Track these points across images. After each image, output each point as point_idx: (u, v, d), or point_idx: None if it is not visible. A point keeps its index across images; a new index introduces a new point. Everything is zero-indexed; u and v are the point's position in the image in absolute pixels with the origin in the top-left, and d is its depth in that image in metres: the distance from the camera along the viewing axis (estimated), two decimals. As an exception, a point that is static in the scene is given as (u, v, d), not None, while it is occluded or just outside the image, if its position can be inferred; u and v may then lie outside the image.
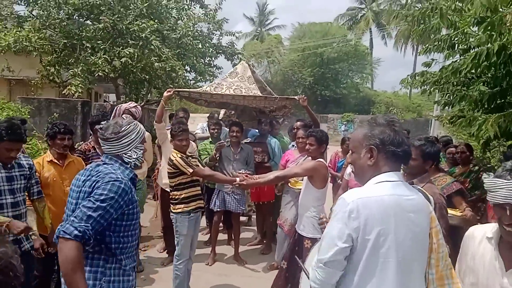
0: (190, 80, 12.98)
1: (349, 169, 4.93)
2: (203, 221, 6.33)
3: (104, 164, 2.30)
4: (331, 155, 6.64)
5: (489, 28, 3.83)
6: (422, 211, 1.81)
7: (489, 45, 3.97)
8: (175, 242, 4.23)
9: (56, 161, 3.71)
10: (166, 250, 5.44)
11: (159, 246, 5.90)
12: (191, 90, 5.53)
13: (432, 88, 6.29)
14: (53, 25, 9.26)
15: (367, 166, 1.83)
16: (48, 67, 10.08)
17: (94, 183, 2.16)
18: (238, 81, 5.51)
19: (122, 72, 11.13)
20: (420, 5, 7.63)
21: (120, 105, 4.87)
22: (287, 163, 5.25)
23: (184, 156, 4.12)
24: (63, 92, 8.82)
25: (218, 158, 5.42)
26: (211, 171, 4.27)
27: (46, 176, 3.60)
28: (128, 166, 2.35)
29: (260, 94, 5.42)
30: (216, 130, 6.01)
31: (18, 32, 8.90)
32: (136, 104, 4.90)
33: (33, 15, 9.75)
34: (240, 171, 4.63)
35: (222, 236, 6.27)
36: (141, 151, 2.42)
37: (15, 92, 14.83)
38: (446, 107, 6.89)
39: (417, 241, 1.77)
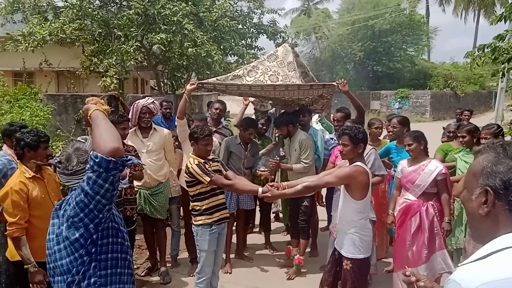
0: (232, 63, 12.48)
1: (400, 165, 4.27)
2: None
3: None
4: None
5: None
6: None
7: None
8: (197, 258, 3.79)
9: (38, 175, 3.16)
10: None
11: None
12: (216, 81, 4.95)
13: (506, 69, 5.12)
14: (87, 15, 9.05)
15: (479, 216, 1.24)
16: (90, 57, 10.01)
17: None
18: (276, 66, 4.83)
19: (162, 59, 10.85)
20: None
21: (137, 101, 4.43)
22: (336, 160, 4.54)
23: (202, 162, 3.61)
24: (98, 85, 8.63)
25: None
26: (233, 177, 3.70)
27: (36, 195, 3.07)
28: None
29: (295, 83, 4.73)
30: (265, 127, 5.45)
31: (52, 25, 8.78)
32: (153, 99, 4.44)
33: (69, 5, 9.60)
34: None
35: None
36: None
37: (62, 83, 15.16)
38: None
39: None
